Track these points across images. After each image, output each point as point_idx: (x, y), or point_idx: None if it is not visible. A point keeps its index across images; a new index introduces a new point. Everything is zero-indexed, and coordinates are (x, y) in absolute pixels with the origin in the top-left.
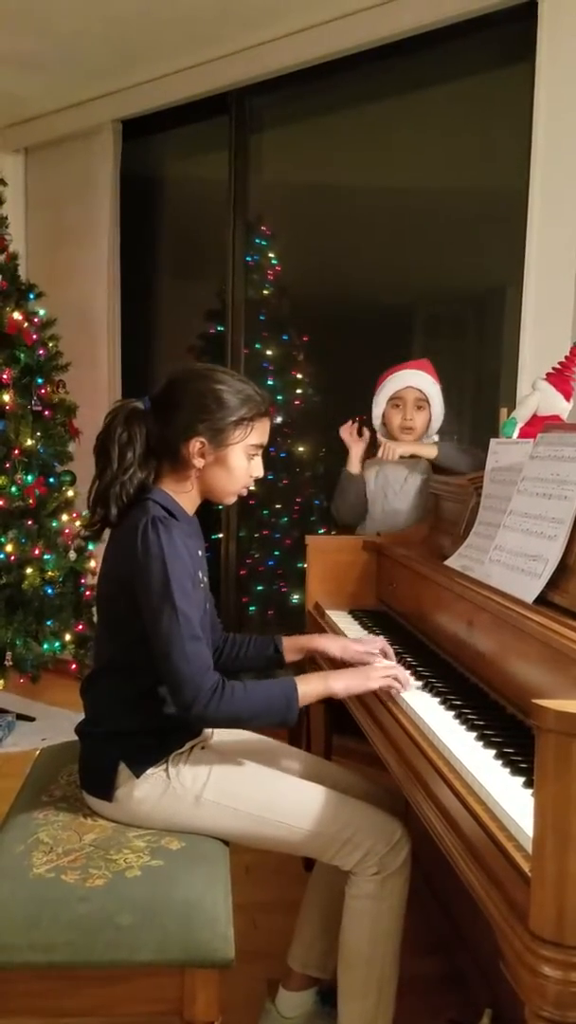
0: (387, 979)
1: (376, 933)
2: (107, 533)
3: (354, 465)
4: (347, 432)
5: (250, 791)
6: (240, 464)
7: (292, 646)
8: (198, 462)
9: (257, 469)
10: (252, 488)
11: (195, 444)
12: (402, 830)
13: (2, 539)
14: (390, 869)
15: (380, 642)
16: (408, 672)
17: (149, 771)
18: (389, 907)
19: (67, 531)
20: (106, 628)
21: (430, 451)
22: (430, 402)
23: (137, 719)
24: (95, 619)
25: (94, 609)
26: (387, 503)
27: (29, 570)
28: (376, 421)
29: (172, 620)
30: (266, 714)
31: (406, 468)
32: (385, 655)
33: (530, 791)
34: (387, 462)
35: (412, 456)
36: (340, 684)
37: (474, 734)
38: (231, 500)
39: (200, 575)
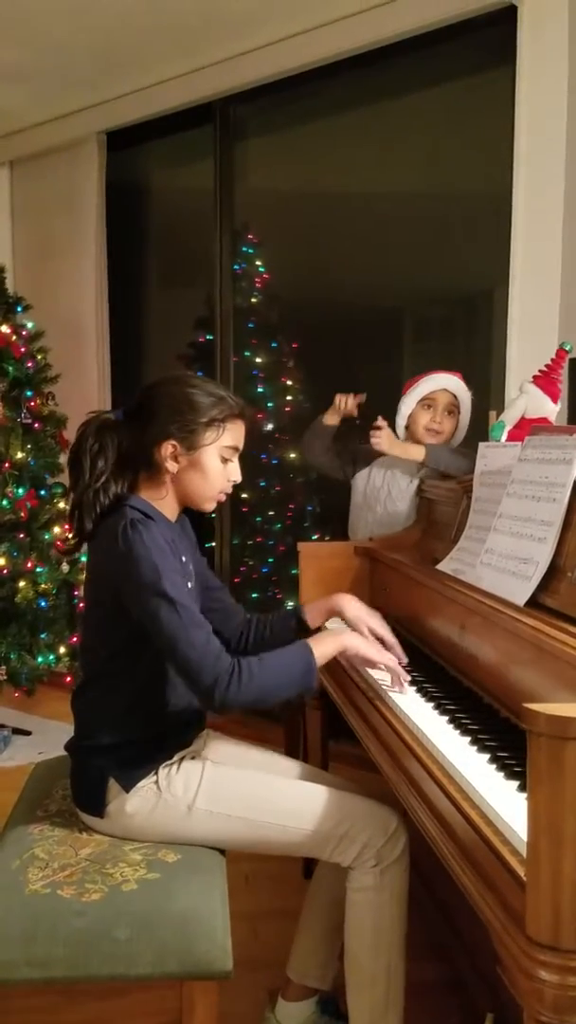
0: (395, 967)
1: (379, 924)
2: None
3: (331, 418)
4: (345, 400)
5: (242, 795)
6: (214, 467)
7: (314, 611)
8: (171, 466)
9: (234, 473)
10: (238, 491)
11: (167, 447)
12: (398, 819)
13: None
14: (388, 860)
15: (388, 633)
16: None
17: (139, 784)
18: (390, 896)
19: (59, 543)
20: (90, 640)
21: (417, 453)
22: (461, 410)
23: (124, 732)
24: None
25: None
26: (391, 503)
27: (22, 583)
28: (401, 422)
29: (170, 612)
30: (288, 685)
31: (412, 469)
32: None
33: (524, 795)
34: (390, 460)
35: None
36: (353, 641)
37: (468, 738)
38: (210, 506)
39: (182, 580)
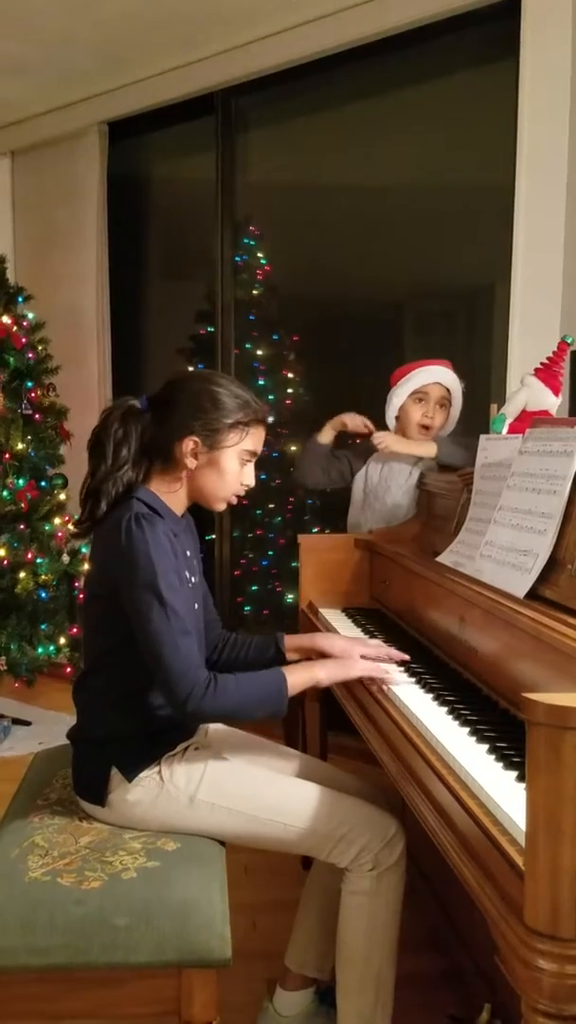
0: (385, 975)
1: (373, 929)
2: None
3: (326, 435)
4: (356, 421)
5: (244, 790)
6: (232, 469)
7: (293, 646)
8: (190, 462)
9: (249, 477)
10: (242, 496)
11: (188, 443)
12: (396, 825)
13: None
14: (385, 865)
15: (385, 649)
16: (399, 668)
17: (142, 774)
18: (385, 903)
19: (59, 534)
20: (92, 630)
21: (429, 450)
22: (452, 403)
23: (127, 722)
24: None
25: None
26: (390, 497)
27: (22, 574)
28: (391, 413)
29: (161, 616)
30: (259, 707)
31: (410, 462)
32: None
33: (523, 785)
34: (387, 454)
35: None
36: (324, 672)
37: (467, 729)
38: (221, 507)
39: (187, 574)
